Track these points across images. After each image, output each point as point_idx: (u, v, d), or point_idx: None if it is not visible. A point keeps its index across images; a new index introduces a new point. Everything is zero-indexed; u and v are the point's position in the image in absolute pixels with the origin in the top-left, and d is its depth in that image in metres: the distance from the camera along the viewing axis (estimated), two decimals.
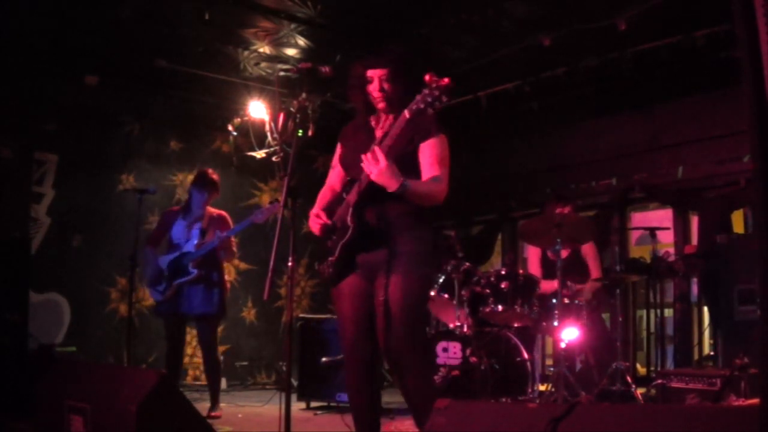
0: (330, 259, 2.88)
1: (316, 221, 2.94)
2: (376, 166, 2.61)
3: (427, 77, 2.59)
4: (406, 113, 2.62)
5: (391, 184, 2.63)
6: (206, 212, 5.13)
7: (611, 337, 5.23)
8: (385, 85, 2.84)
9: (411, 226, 2.82)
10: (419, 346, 2.83)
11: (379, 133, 2.91)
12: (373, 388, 2.89)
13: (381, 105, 2.89)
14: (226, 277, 5.31)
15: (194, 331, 6.02)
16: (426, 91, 2.57)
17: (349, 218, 2.79)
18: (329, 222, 2.92)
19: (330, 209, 3.00)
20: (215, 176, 5.16)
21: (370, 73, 2.86)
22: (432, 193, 2.79)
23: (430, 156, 2.82)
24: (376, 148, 2.63)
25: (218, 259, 5.05)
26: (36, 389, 3.42)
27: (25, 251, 5.03)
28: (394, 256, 2.77)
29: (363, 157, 2.66)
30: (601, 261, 5.53)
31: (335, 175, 3.11)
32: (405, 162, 2.75)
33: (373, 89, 2.86)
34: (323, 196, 3.12)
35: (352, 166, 2.93)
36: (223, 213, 5.21)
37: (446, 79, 2.58)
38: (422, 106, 2.58)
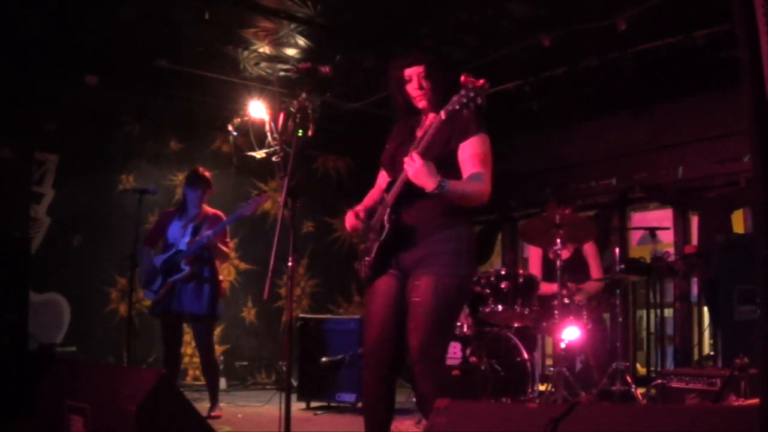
0: (367, 259, 2.85)
1: (351, 217, 2.92)
2: (412, 166, 2.60)
3: (462, 78, 2.58)
4: (443, 114, 2.61)
5: (428, 184, 2.59)
6: (202, 211, 5.12)
7: (611, 337, 5.23)
8: (424, 83, 2.83)
9: (448, 225, 2.76)
10: (442, 349, 2.80)
11: (419, 134, 2.88)
12: (390, 392, 2.84)
13: (422, 104, 2.87)
14: (226, 277, 5.30)
15: None
16: (462, 92, 2.57)
17: (386, 218, 2.77)
18: (362, 223, 2.89)
19: (374, 209, 2.98)
20: (207, 173, 5.15)
21: (408, 72, 2.86)
22: (473, 192, 2.71)
23: (470, 155, 2.76)
24: (413, 150, 2.62)
25: (210, 257, 5.02)
26: (36, 389, 3.41)
27: (25, 251, 5.03)
28: (429, 256, 2.72)
29: (404, 159, 2.65)
30: (601, 261, 5.53)
31: (382, 176, 3.09)
32: (444, 163, 2.71)
33: (412, 88, 2.86)
34: (371, 195, 3.09)
35: (389, 167, 2.94)
36: (218, 213, 5.19)
37: (482, 80, 2.58)
38: (457, 107, 2.57)
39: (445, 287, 2.69)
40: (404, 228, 2.77)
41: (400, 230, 2.76)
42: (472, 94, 2.55)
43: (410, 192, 2.72)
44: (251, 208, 4.84)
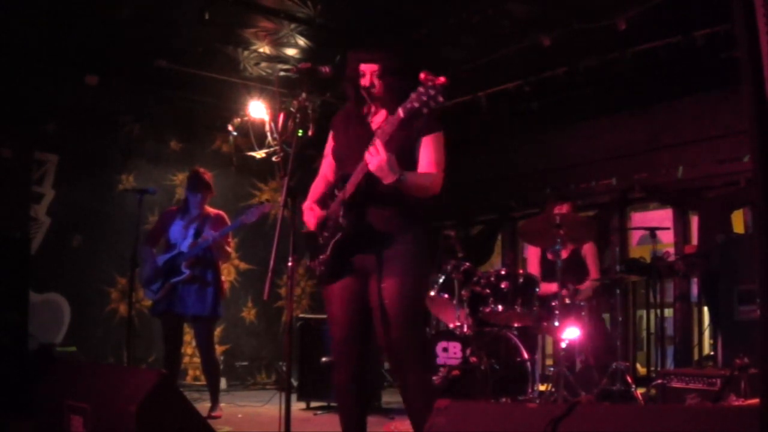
0: (321, 257, 2.85)
1: (310, 215, 2.93)
2: (376, 157, 2.59)
3: (422, 75, 2.55)
4: (401, 112, 2.56)
5: (389, 177, 2.61)
6: (203, 212, 5.11)
7: (611, 337, 5.22)
8: (375, 81, 2.83)
9: (406, 226, 2.80)
10: (418, 347, 2.82)
11: (374, 126, 2.87)
12: (361, 389, 2.87)
13: (372, 99, 2.89)
14: (226, 278, 5.31)
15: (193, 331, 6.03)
16: (421, 89, 2.52)
17: (341, 216, 2.76)
18: (323, 214, 2.90)
19: (323, 201, 2.97)
20: (207, 176, 5.13)
21: (362, 67, 2.85)
22: (427, 184, 2.79)
23: (428, 153, 2.82)
24: (377, 141, 2.60)
25: (213, 259, 5.02)
26: (36, 389, 3.42)
27: (25, 251, 5.02)
28: (389, 258, 2.75)
29: (368, 150, 2.63)
30: (601, 261, 5.53)
31: (328, 165, 3.07)
32: (404, 153, 2.73)
33: (364, 83, 2.85)
34: (316, 187, 3.09)
35: (344, 160, 2.92)
36: (221, 213, 5.19)
37: (442, 78, 2.54)
38: (417, 105, 2.52)
39: (409, 288, 2.74)
40: (361, 228, 2.77)
41: (356, 229, 2.76)
42: (432, 92, 2.51)
43: (366, 188, 2.72)
44: (254, 216, 4.82)
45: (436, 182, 2.81)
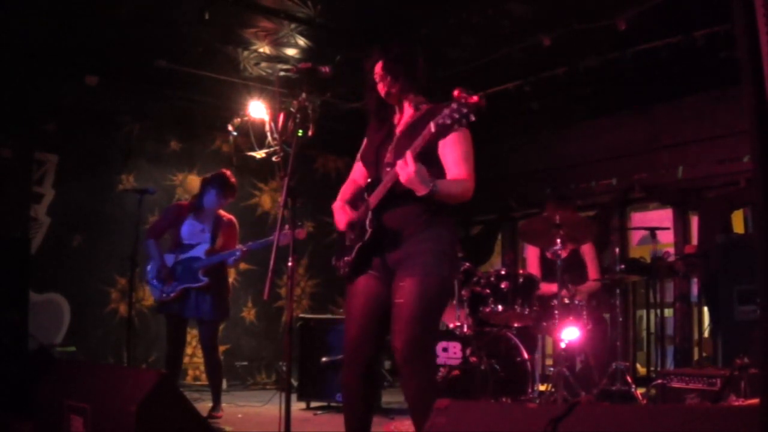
0: (346, 258, 2.85)
1: (341, 215, 2.93)
2: (405, 170, 2.55)
3: (455, 92, 2.51)
4: (432, 127, 2.52)
5: (421, 189, 2.57)
6: (218, 216, 5.09)
7: (611, 337, 5.23)
8: (385, 77, 2.85)
9: (428, 225, 2.75)
10: (426, 349, 2.79)
11: (398, 130, 2.88)
12: (369, 389, 2.85)
13: (391, 99, 2.89)
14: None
15: (194, 331, 6.02)
16: (454, 105, 2.49)
17: (368, 222, 2.76)
18: (354, 218, 2.90)
19: (353, 203, 2.99)
20: (234, 179, 5.10)
21: (376, 69, 2.88)
22: (460, 192, 2.74)
23: (453, 153, 2.76)
24: (408, 153, 2.57)
25: (225, 266, 5.03)
26: (36, 389, 3.42)
27: (25, 251, 5.03)
28: (410, 256, 2.71)
29: (397, 163, 2.61)
30: (600, 261, 5.53)
31: (358, 169, 3.08)
32: (425, 156, 2.68)
33: (379, 84, 2.88)
34: (346, 189, 3.10)
35: (369, 164, 2.94)
36: (233, 219, 5.15)
37: (475, 97, 2.51)
38: (449, 122, 2.49)
39: (427, 288, 2.67)
40: (386, 230, 2.76)
41: (382, 234, 2.76)
42: (464, 110, 2.48)
43: (394, 194, 2.70)
44: (289, 239, 4.77)
45: (469, 187, 2.75)
